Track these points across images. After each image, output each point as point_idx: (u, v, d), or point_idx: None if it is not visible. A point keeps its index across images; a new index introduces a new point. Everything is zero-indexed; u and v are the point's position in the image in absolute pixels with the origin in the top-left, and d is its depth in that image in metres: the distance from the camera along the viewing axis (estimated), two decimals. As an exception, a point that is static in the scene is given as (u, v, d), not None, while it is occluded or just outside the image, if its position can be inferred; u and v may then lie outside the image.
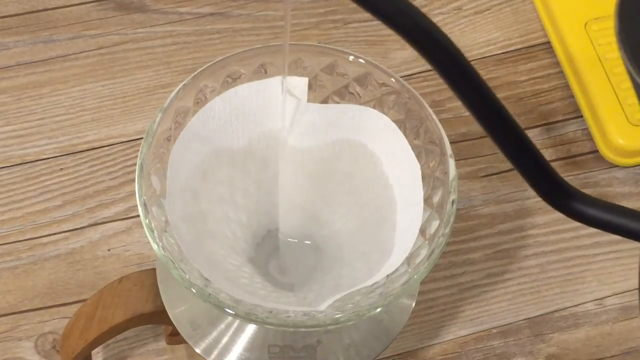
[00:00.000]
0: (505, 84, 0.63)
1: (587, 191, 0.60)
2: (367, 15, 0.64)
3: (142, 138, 0.40)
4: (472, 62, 0.66)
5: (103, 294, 0.46)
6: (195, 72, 0.41)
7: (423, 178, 0.41)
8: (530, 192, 0.59)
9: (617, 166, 0.60)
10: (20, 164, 0.58)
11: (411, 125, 0.42)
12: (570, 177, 0.60)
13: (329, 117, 0.42)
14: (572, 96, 0.62)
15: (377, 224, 0.42)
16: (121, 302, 0.45)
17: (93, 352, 0.47)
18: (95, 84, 0.61)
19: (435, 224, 0.40)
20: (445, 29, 0.64)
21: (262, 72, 0.42)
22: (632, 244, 0.58)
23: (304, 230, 0.45)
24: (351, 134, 0.43)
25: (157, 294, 0.45)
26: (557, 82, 0.63)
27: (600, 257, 0.58)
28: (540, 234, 0.58)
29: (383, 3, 0.26)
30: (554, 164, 0.60)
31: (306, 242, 0.45)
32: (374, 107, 0.42)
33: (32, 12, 0.63)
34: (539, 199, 0.59)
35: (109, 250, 0.56)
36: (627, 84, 0.61)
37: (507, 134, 0.29)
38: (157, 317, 0.45)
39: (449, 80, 0.28)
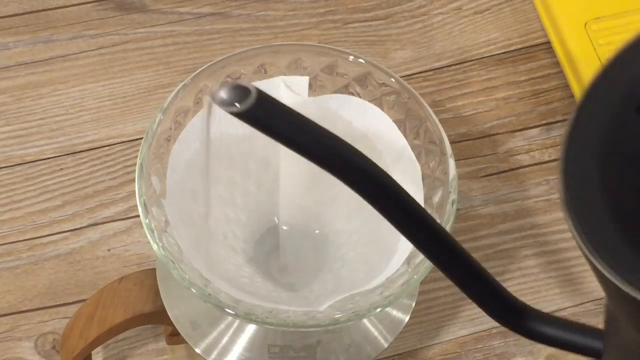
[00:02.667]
0: (505, 84, 0.63)
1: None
2: (367, 15, 0.65)
3: (142, 138, 0.40)
4: (472, 62, 0.67)
5: (103, 294, 0.46)
6: (195, 72, 0.41)
7: (423, 178, 0.41)
8: (531, 191, 0.59)
9: (617, 166, 0.60)
10: (20, 164, 0.58)
11: (411, 125, 0.42)
12: (570, 177, 0.60)
13: (332, 109, 0.42)
14: (572, 96, 0.62)
15: (377, 224, 0.42)
16: (121, 302, 0.45)
17: (93, 352, 0.47)
18: (95, 84, 0.61)
19: (435, 224, 0.40)
20: (445, 29, 0.64)
21: (262, 72, 0.42)
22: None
23: (304, 229, 0.45)
24: (355, 129, 0.43)
25: (157, 294, 0.45)
26: (557, 82, 0.63)
27: (600, 257, 0.58)
28: (540, 234, 0.58)
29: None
30: (553, 164, 0.60)
31: (306, 241, 0.45)
32: (374, 107, 0.43)
33: (32, 12, 0.63)
34: (539, 198, 0.59)
35: (109, 250, 0.56)
36: (627, 84, 0.61)
37: (450, 257, 0.29)
38: (157, 317, 0.45)
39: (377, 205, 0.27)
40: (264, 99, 0.25)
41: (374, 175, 0.26)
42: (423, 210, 0.27)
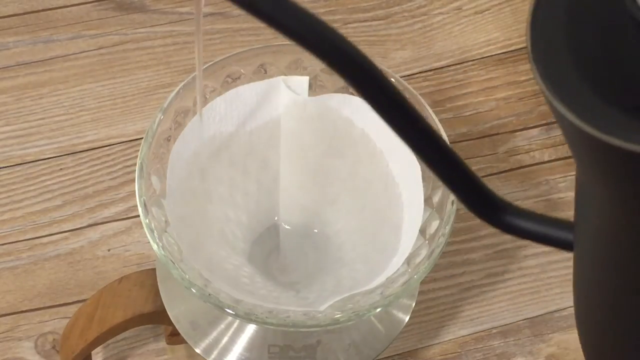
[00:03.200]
0: (505, 84, 0.63)
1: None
2: (367, 15, 0.65)
3: (142, 138, 0.40)
4: (472, 62, 0.67)
5: (103, 294, 0.46)
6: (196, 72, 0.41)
7: (423, 178, 0.41)
8: (531, 191, 0.59)
9: (617, 166, 0.60)
10: (20, 164, 0.58)
11: (411, 125, 0.42)
12: (571, 177, 0.60)
13: (332, 108, 0.42)
14: (572, 96, 0.62)
15: (378, 224, 0.42)
16: (121, 302, 0.45)
17: (93, 352, 0.47)
18: (95, 84, 0.61)
19: (435, 224, 0.40)
20: (445, 29, 0.64)
21: (262, 72, 0.42)
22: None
23: (304, 229, 0.45)
24: (355, 128, 0.43)
25: (157, 294, 0.45)
26: (557, 82, 0.63)
27: (600, 257, 0.58)
28: (540, 234, 0.58)
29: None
30: (553, 164, 0.60)
31: (306, 241, 0.45)
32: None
33: (32, 12, 0.63)
34: (539, 198, 0.59)
35: (109, 250, 0.56)
36: (627, 84, 0.61)
37: (430, 145, 0.29)
38: (157, 317, 0.45)
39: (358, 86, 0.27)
40: None
41: (344, 50, 0.26)
42: (402, 95, 0.28)
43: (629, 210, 0.27)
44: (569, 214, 0.63)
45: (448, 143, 0.29)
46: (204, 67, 0.42)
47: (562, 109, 0.24)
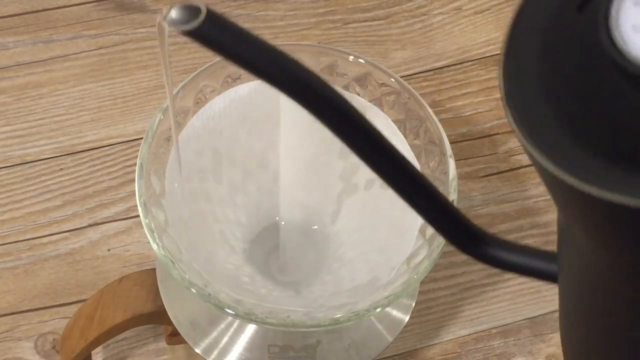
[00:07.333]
0: (505, 84, 0.63)
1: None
2: (367, 15, 0.65)
3: (142, 138, 0.40)
4: (472, 62, 0.66)
5: (103, 294, 0.46)
6: (195, 72, 0.42)
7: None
8: (531, 191, 0.59)
9: (617, 166, 0.60)
10: (20, 164, 0.58)
11: (411, 125, 0.42)
12: (570, 177, 0.60)
13: None
14: (572, 96, 0.62)
15: (378, 224, 0.42)
16: (121, 302, 0.45)
17: (93, 352, 0.47)
18: (95, 84, 0.61)
19: (435, 224, 0.40)
20: (445, 29, 0.64)
21: (262, 72, 0.42)
22: (632, 244, 0.58)
23: (304, 229, 0.45)
24: None
25: (157, 294, 0.45)
26: (557, 82, 0.63)
27: (600, 257, 0.58)
28: (540, 234, 0.58)
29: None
30: (554, 164, 0.60)
31: (306, 241, 0.45)
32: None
33: (32, 12, 0.63)
34: (539, 198, 0.59)
35: (109, 250, 0.56)
36: (627, 84, 0.61)
37: (409, 181, 0.28)
38: (157, 317, 0.45)
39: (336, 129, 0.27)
40: (214, 16, 0.25)
41: (326, 95, 0.26)
42: (380, 134, 0.27)
43: (608, 254, 0.26)
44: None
45: (421, 174, 0.29)
46: (204, 66, 0.42)
47: (539, 157, 0.23)
